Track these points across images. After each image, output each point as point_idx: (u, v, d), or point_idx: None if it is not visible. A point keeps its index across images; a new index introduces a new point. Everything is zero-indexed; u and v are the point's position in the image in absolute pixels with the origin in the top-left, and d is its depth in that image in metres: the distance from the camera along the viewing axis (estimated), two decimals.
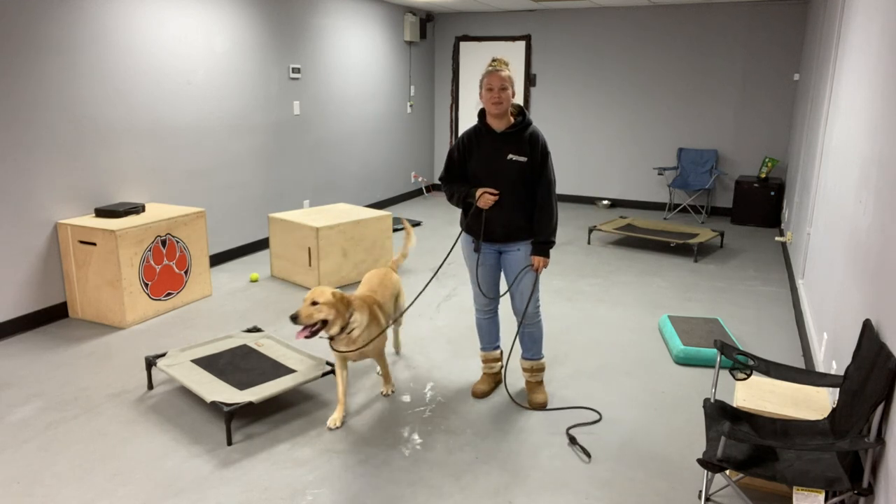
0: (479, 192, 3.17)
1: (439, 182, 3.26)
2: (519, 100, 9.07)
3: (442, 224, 7.59)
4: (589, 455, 2.94)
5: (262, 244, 6.38)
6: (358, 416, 3.28)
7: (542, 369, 3.47)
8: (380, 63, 8.04)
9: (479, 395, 3.49)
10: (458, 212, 8.33)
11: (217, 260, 5.83)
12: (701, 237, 6.36)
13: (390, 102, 8.40)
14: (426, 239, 6.87)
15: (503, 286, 3.53)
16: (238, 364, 3.44)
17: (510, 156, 3.16)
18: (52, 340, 4.14)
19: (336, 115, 7.30)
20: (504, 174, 3.16)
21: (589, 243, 6.78)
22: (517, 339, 3.51)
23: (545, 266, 3.23)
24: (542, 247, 3.21)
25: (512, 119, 3.22)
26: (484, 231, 3.25)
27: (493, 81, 3.09)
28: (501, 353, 3.60)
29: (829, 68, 4.65)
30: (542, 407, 3.39)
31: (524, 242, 3.25)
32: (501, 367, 3.61)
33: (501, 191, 3.17)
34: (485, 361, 3.56)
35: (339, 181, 7.53)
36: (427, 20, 9.01)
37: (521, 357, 3.52)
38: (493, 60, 3.14)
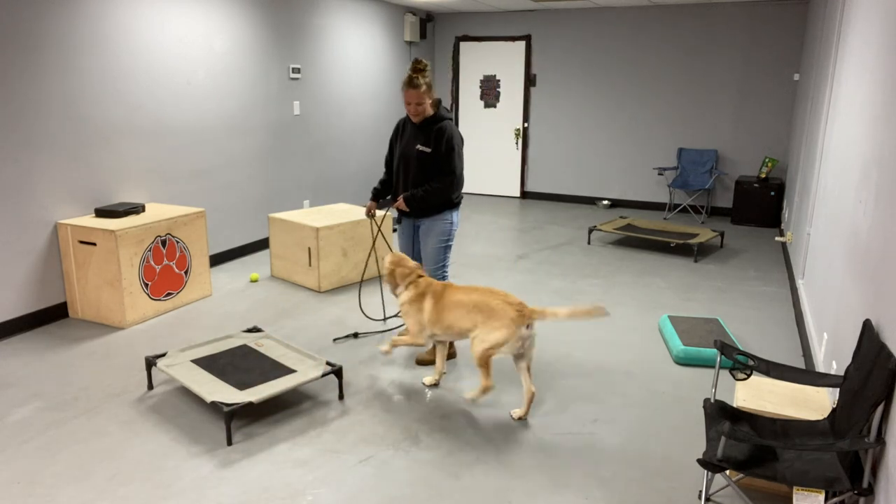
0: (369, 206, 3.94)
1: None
2: (519, 100, 9.09)
3: None
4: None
5: (262, 244, 6.38)
6: (357, 416, 3.28)
7: None
8: (380, 63, 8.04)
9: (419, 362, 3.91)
10: (460, 212, 8.32)
11: (217, 260, 5.83)
12: (701, 237, 6.35)
13: (390, 102, 8.40)
14: None
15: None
16: (238, 364, 3.44)
17: (418, 146, 3.67)
18: (52, 340, 4.14)
19: (336, 115, 7.30)
20: (411, 160, 3.70)
21: (589, 243, 6.78)
22: None
23: (398, 207, 3.75)
24: (408, 197, 3.69)
25: (431, 112, 3.66)
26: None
27: (411, 97, 3.55)
28: None
29: (829, 68, 4.65)
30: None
31: (428, 219, 3.76)
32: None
33: (408, 174, 3.73)
34: None
35: (339, 181, 7.53)
36: (427, 20, 9.00)
37: None
38: (416, 62, 3.51)
